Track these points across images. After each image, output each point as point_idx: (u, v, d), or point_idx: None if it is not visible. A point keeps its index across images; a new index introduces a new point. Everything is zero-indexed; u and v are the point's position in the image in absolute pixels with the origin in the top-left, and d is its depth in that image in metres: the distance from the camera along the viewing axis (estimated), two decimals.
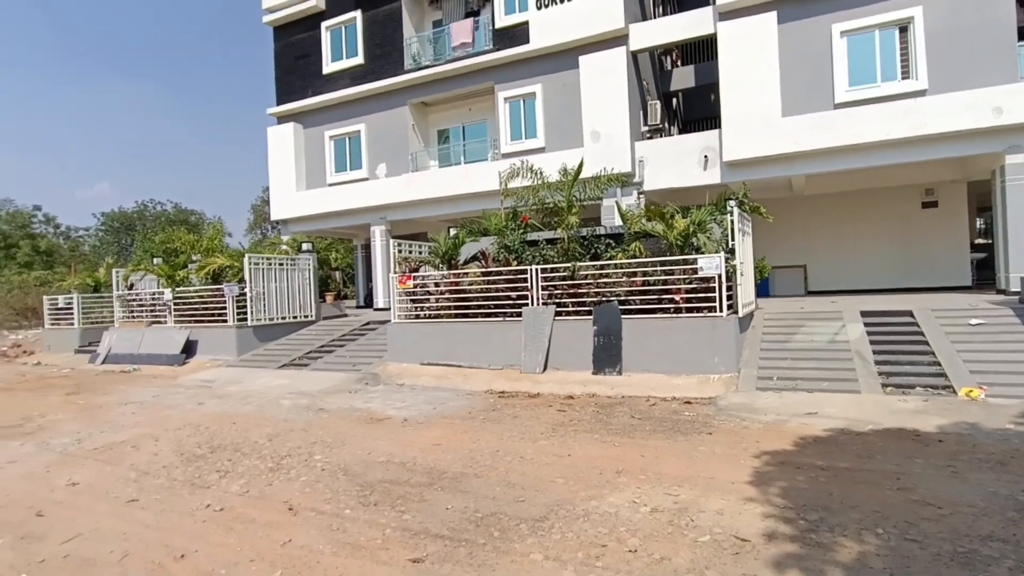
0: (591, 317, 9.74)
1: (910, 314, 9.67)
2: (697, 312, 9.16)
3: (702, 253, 9.32)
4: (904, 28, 12.72)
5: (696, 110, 19.75)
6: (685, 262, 9.29)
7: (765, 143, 13.44)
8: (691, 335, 9.05)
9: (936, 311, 9.59)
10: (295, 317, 15.17)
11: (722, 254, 8.92)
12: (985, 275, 17.44)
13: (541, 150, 16.01)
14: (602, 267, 9.97)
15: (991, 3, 11.93)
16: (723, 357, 8.85)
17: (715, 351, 8.89)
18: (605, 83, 15.10)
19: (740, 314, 9.15)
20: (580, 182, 11.41)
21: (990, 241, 18.41)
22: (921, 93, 12.39)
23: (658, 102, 15.67)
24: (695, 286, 9.15)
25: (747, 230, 10.32)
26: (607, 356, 9.50)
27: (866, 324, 9.55)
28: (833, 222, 17.23)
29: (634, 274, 9.65)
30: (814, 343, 9.27)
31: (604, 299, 9.77)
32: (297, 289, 15.31)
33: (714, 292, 8.92)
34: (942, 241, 16.12)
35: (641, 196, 14.92)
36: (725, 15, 13.98)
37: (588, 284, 9.99)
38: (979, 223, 19.07)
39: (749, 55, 13.69)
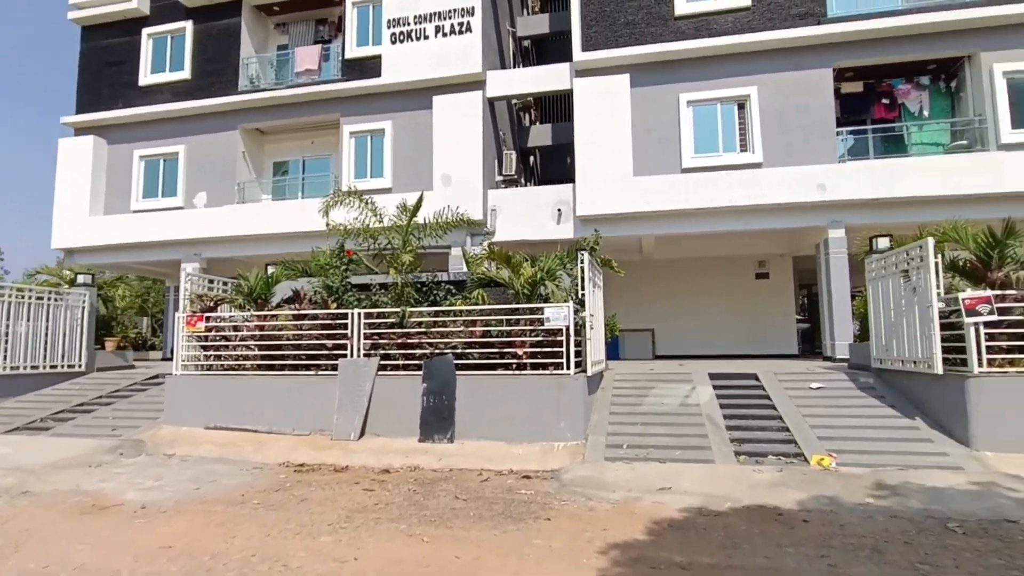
0: (421, 373, 8.21)
1: (755, 377, 9.33)
2: (542, 369, 8.01)
3: (550, 303, 8.30)
4: (742, 104, 13.35)
5: (552, 170, 19.66)
6: (531, 311, 8.18)
7: (617, 200, 13.20)
8: (535, 395, 7.83)
9: (779, 374, 9.34)
10: (54, 366, 11.85)
11: (571, 304, 7.93)
12: (807, 346, 18.59)
13: (388, 190, 14.57)
14: (437, 314, 8.56)
15: (816, 89, 12.88)
16: (570, 422, 7.70)
17: (561, 415, 7.72)
18: (460, 126, 14.26)
19: (589, 372, 8.14)
20: (423, 226, 10.08)
21: (804, 316, 19.89)
22: (758, 165, 12.91)
23: (514, 152, 15.14)
24: (541, 339, 8.04)
25: (598, 283, 9.57)
26: (437, 420, 7.95)
27: (715, 387, 9.01)
28: (679, 288, 17.51)
29: (474, 323, 8.36)
30: (665, 407, 8.49)
31: (438, 352, 8.31)
32: (62, 331, 12.06)
33: (561, 347, 7.84)
34: (773, 311, 16.90)
35: (492, 247, 13.97)
36: (581, 72, 13.90)
37: (420, 333, 8.49)
38: (802, 297, 20.59)
39: (604, 113, 13.61)
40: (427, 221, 10.23)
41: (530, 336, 8.08)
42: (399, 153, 14.87)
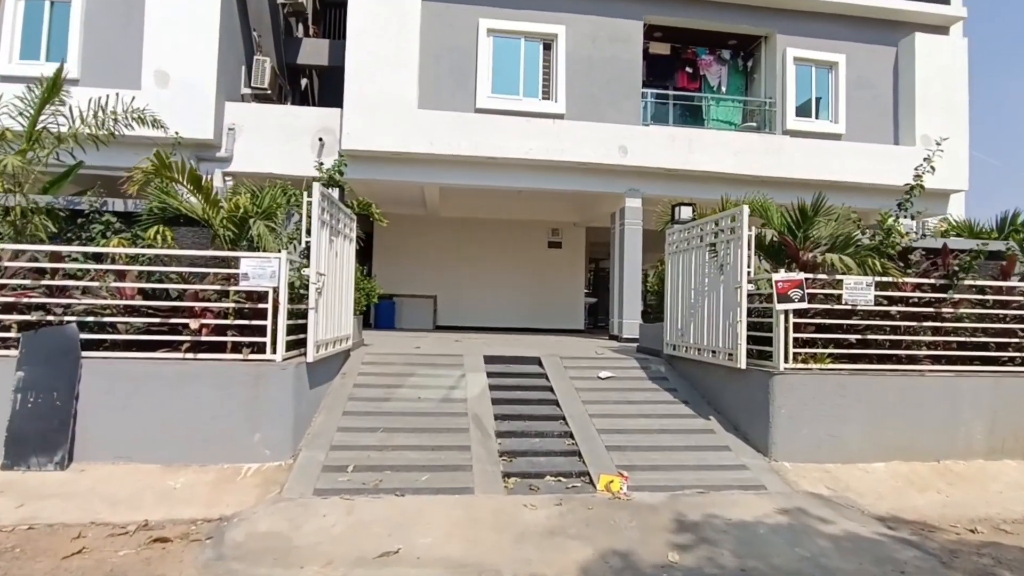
0: (16, 354, 4.90)
1: (538, 362, 7.64)
2: (234, 352, 5.24)
3: (260, 251, 5.53)
4: (548, 44, 11.60)
5: (331, 98, 16.29)
6: (221, 262, 5.32)
7: (395, 136, 10.62)
8: (217, 392, 5.06)
9: (565, 359, 7.76)
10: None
11: (283, 256, 5.24)
12: (591, 321, 18.14)
13: (75, 82, 10.15)
14: (53, 256, 5.23)
15: (626, 40, 11.61)
16: (271, 432, 5.10)
17: (257, 421, 5.07)
18: (187, 7, 10.35)
19: (313, 357, 5.57)
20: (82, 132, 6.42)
21: (590, 291, 19.52)
22: (560, 116, 11.30)
23: (269, 60, 11.62)
24: (235, 305, 5.24)
25: (346, 232, 6.99)
26: (40, 432, 4.77)
27: (490, 374, 7.08)
28: (467, 252, 15.64)
29: (124, 276, 5.22)
30: (422, 403, 6.31)
31: (50, 320, 5.05)
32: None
33: (265, 320, 5.14)
34: (563, 283, 15.92)
35: (228, 178, 10.51)
36: None
37: (26, 288, 5.11)
38: (590, 271, 20.26)
39: (387, 27, 10.84)
40: (101, 119, 6.58)
41: (218, 302, 5.23)
42: (92, 30, 10.44)
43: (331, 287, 6.14)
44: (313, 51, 14.95)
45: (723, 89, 12.93)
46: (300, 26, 15.59)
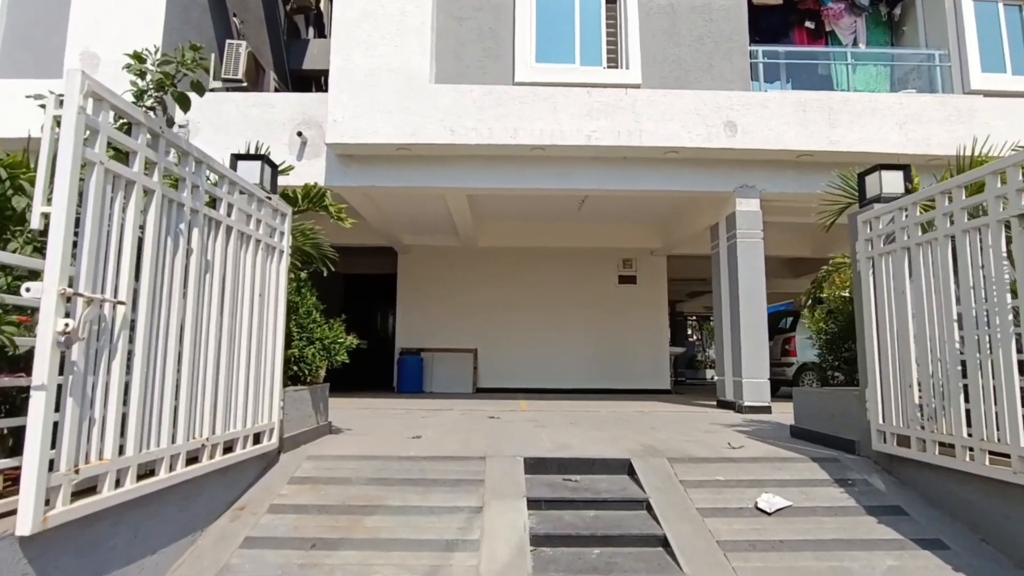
0: None
1: (627, 470, 4.01)
2: None
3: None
4: None
5: None
6: None
7: (403, 122, 7.49)
8: None
9: (675, 462, 4.07)
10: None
11: None
12: (674, 376, 14.20)
13: None
14: None
15: None
16: None
17: None
18: None
19: (48, 521, 2.17)
20: None
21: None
22: (633, 87, 7.92)
23: (245, 45, 8.91)
24: None
25: (263, 234, 3.74)
26: None
27: (534, 505, 3.52)
28: (514, 293, 12.24)
29: None
30: None
31: None
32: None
33: None
34: (641, 329, 12.18)
35: None
36: None
37: None
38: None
39: None
40: None
41: None
42: (14, 13, 8.04)
43: (206, 330, 2.80)
44: (322, 54, 12.35)
45: (861, 46, 9.25)
46: (310, 29, 13.16)
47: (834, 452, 4.36)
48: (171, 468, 2.77)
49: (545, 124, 7.48)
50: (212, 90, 8.73)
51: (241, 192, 3.57)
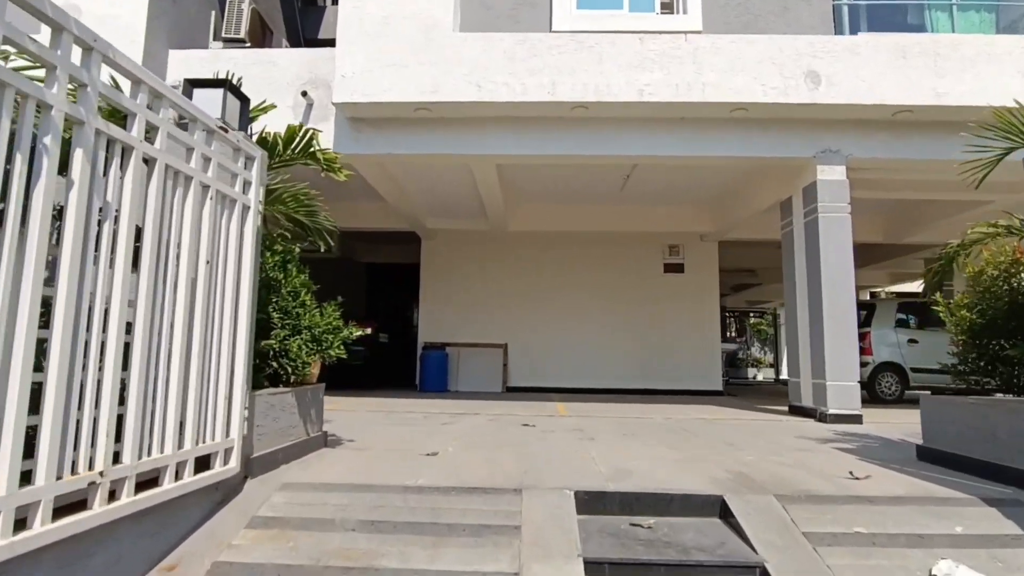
0: None
1: (720, 512, 2.87)
2: None
3: None
4: None
5: None
6: None
7: (421, 77, 6.39)
8: None
9: (784, 500, 2.91)
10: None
11: None
12: (730, 374, 12.92)
13: None
14: None
15: None
16: None
17: None
18: None
19: None
20: None
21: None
22: (694, 34, 6.68)
23: (247, 1, 7.92)
24: None
25: (233, 194, 2.70)
26: None
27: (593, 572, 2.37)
28: (548, 283, 11.10)
29: None
30: None
31: None
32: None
33: None
34: (689, 323, 10.91)
35: None
36: None
37: None
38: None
39: None
40: None
41: None
42: None
43: (94, 305, 1.73)
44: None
45: None
46: None
47: (1006, 488, 3.12)
48: (28, 525, 1.72)
49: (589, 77, 6.30)
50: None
51: (180, 116, 2.51)
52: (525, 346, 10.90)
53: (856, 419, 6.20)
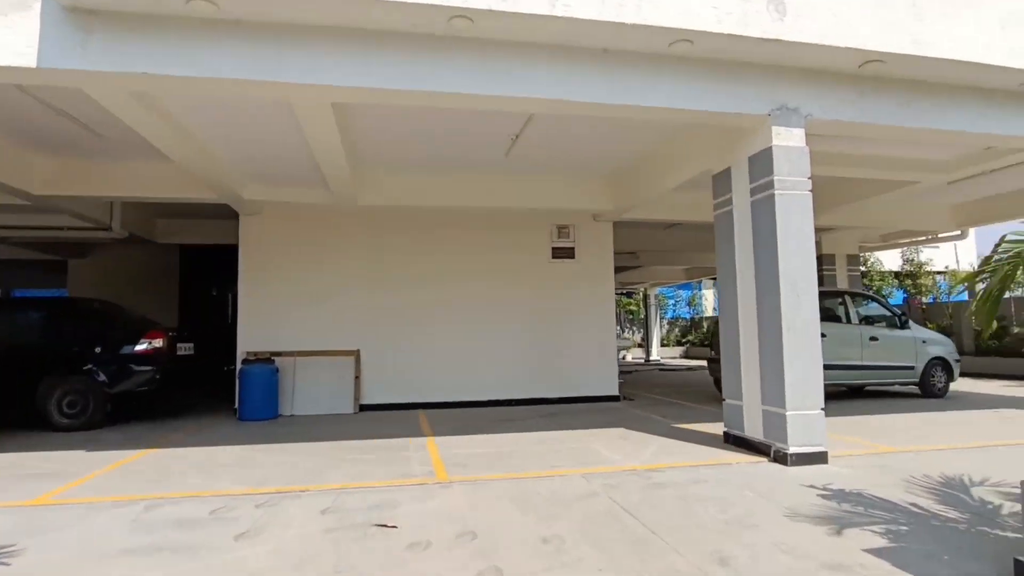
0: None
1: None
2: None
3: None
4: None
5: None
6: None
7: None
8: None
9: None
10: None
11: None
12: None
13: None
14: None
15: None
16: None
17: None
18: None
19: None
20: None
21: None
22: None
23: None
24: None
25: None
26: None
27: None
28: (410, 274, 8.83)
29: None
30: None
31: None
32: None
33: None
34: (581, 318, 9.25)
35: None
36: None
37: None
38: None
39: None
40: None
41: None
42: None
43: None
44: None
45: None
46: None
47: None
48: None
49: None
50: None
51: None
52: (383, 352, 8.58)
53: (821, 458, 4.79)
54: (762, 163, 5.09)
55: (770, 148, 4.98)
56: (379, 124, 6.16)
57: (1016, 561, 2.60)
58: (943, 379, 8.88)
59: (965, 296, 15.02)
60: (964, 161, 7.04)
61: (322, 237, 8.57)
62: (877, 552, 2.93)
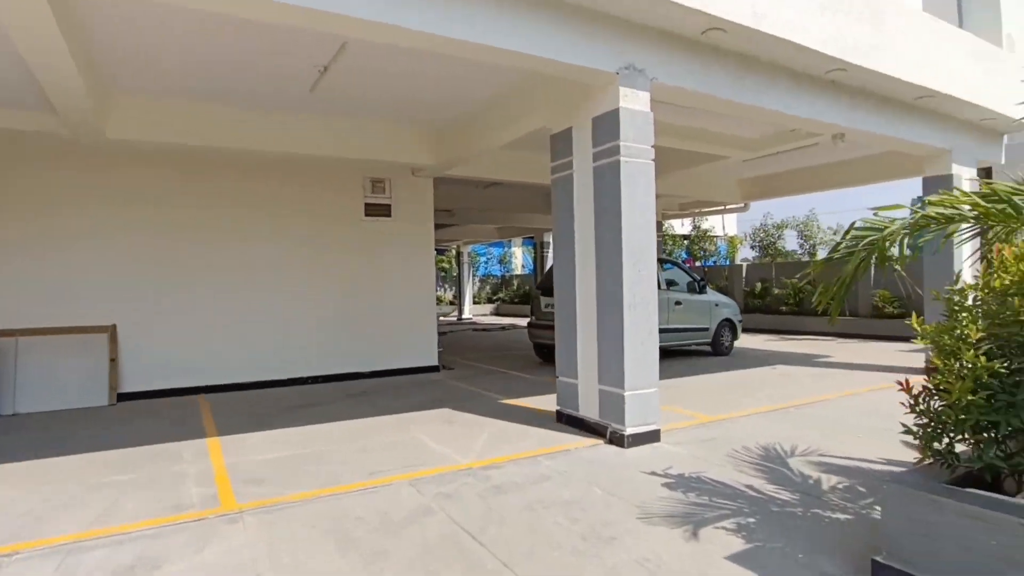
0: None
1: None
2: None
3: None
4: None
5: None
6: None
7: None
8: None
9: None
10: None
11: None
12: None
13: None
14: None
15: None
16: None
17: None
18: None
19: None
20: None
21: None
22: None
23: None
24: None
25: None
26: None
27: None
28: (191, 228, 7.17)
29: None
30: None
31: None
32: None
33: None
34: (399, 283, 8.41)
35: None
36: None
37: None
38: None
39: None
40: None
41: None
42: None
43: None
44: None
45: None
46: None
47: None
48: None
49: None
50: None
51: None
52: (150, 326, 6.89)
53: (654, 436, 4.70)
54: (608, 126, 4.69)
55: (617, 110, 4.58)
56: (128, 30, 4.54)
57: (874, 562, 2.53)
58: (729, 338, 9.82)
59: (739, 261, 17.09)
60: (769, 140, 7.55)
61: (58, 180, 6.46)
62: (737, 559, 2.71)
